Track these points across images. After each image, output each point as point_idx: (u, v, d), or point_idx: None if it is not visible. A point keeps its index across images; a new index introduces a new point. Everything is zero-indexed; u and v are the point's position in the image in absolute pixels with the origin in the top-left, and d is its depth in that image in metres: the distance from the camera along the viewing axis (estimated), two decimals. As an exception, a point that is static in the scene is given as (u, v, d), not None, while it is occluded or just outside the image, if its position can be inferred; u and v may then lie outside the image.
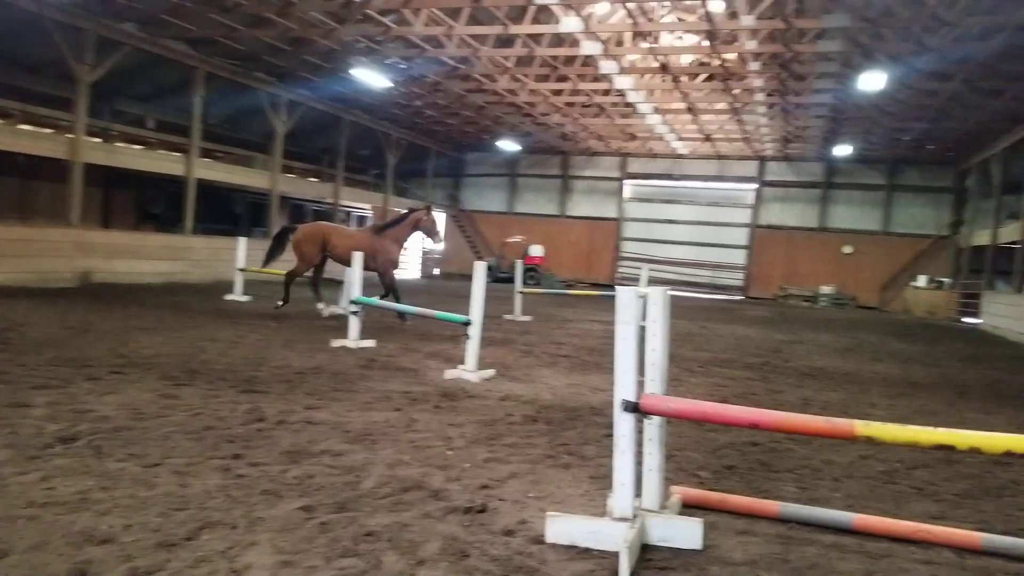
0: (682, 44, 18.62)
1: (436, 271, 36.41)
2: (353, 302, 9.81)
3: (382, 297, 12.36)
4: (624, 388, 3.81)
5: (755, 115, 23.89)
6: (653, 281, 32.00)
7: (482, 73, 20.82)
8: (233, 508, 3.94)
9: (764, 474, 5.34)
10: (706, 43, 17.13)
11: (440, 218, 37.09)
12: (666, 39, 18.43)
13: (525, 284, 30.37)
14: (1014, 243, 21.34)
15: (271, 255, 13.53)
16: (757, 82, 19.63)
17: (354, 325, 9.79)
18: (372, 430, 5.68)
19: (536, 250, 32.34)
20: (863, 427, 3.64)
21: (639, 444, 3.96)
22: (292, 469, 4.63)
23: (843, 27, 14.63)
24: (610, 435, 6.13)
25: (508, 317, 15.40)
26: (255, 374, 7.56)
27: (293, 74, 21.92)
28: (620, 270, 34.36)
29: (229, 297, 15.20)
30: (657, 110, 23.92)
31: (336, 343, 9.76)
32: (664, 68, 18.97)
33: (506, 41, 18.56)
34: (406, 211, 13.23)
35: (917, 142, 26.02)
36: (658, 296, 4.07)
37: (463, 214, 37.00)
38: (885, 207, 30.40)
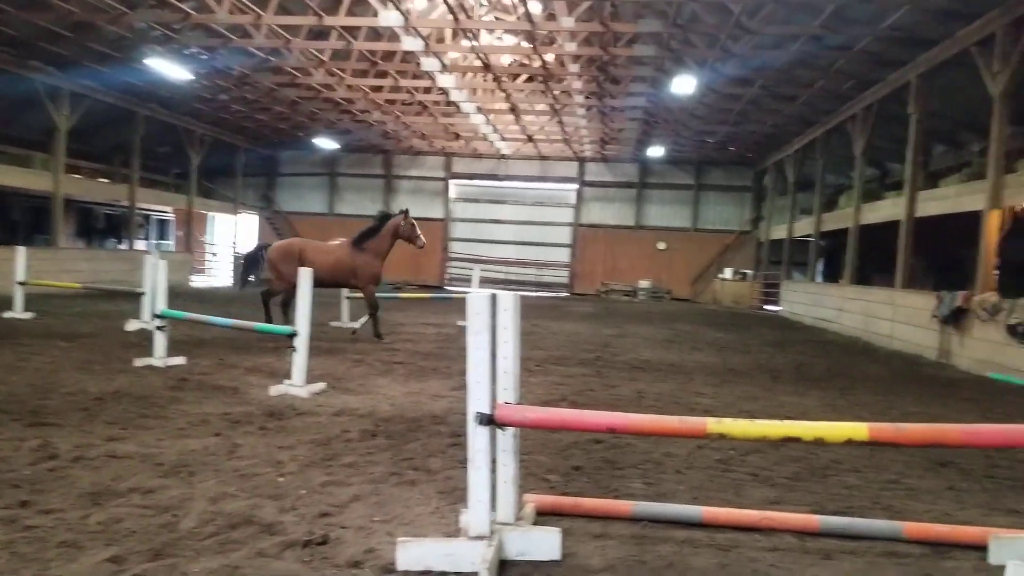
0: (502, 44, 18.76)
1: (251, 278, 34.27)
2: (158, 316, 8.79)
3: (371, 316, 12.25)
4: (478, 400, 3.53)
5: (574, 116, 24.62)
6: (482, 281, 32.33)
7: (294, 66, 19.77)
8: (22, 568, 3.25)
9: (611, 472, 5.28)
10: (526, 44, 17.32)
11: (255, 220, 35.21)
12: (487, 38, 18.49)
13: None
14: (807, 236, 23.54)
15: (244, 276, 13.09)
16: (576, 84, 20.19)
17: (160, 341, 8.78)
18: (189, 460, 5.01)
19: (361, 253, 31.38)
20: (715, 425, 3.62)
21: (493, 456, 3.70)
22: (95, 513, 3.96)
23: (655, 32, 15.31)
24: (456, 444, 5.93)
25: (335, 324, 14.70)
26: (43, 403, 6.52)
27: (77, 63, 19.51)
28: (449, 271, 34.25)
29: (8, 315, 13.28)
30: (480, 109, 23.99)
31: (140, 362, 8.71)
32: (486, 67, 19.00)
33: (320, 33, 17.74)
34: (378, 220, 12.35)
35: (721, 144, 28.06)
36: (509, 301, 3.83)
37: (279, 216, 35.21)
38: (694, 205, 32.56)
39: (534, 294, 32.08)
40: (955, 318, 11.57)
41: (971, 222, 14.90)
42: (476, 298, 3.63)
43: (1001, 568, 3.70)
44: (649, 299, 31.13)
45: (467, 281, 29.84)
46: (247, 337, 11.35)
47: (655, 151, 28.51)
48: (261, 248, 13.01)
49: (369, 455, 5.38)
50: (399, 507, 4.30)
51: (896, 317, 14.16)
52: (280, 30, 16.88)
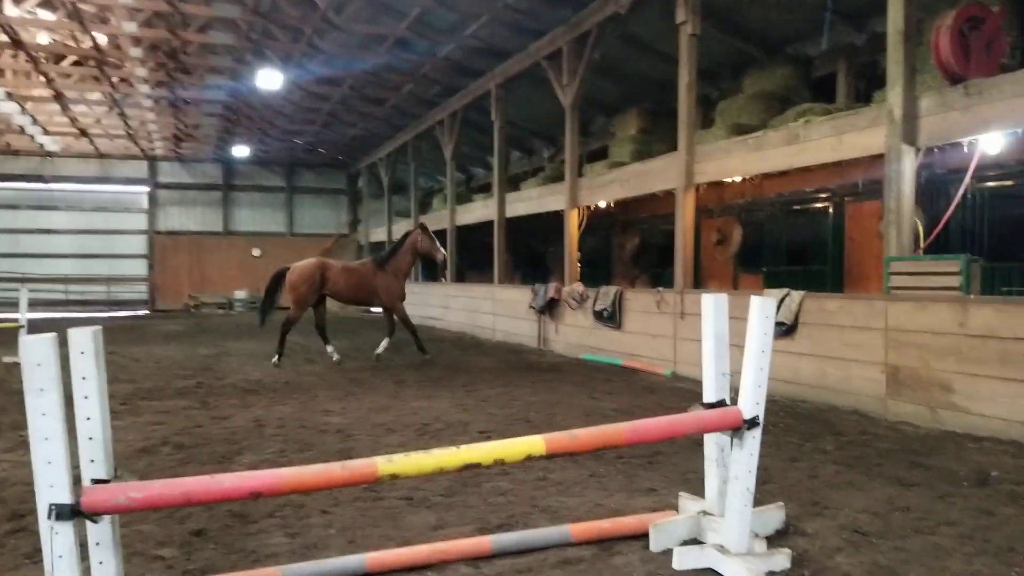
0: (36, 18, 15.41)
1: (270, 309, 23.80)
2: None
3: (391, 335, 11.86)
4: (52, 486, 2.36)
5: (140, 109, 21.66)
6: (33, 304, 26.77)
7: None
8: None
9: (243, 530, 4.26)
10: (69, 20, 14.42)
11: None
12: (14, 11, 15.01)
13: None
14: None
15: (266, 308, 12.09)
16: (140, 71, 17.62)
17: None
18: None
19: None
20: (386, 465, 3.00)
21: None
22: None
23: (232, 19, 13.93)
24: (20, 531, 4.27)
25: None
26: None
27: None
28: (-12, 293, 27.67)
29: None
30: (12, 96, 19.61)
31: None
32: (17, 44, 15.43)
33: None
34: (400, 238, 12.10)
35: (311, 145, 27.36)
36: (87, 341, 2.65)
37: None
38: (288, 209, 31.36)
39: (106, 315, 27.69)
40: (549, 308, 12.67)
41: (551, 220, 16.69)
42: (33, 343, 2.41)
43: (665, 554, 3.73)
44: (248, 310, 29.09)
45: (14, 306, 24.34)
46: None
47: (240, 151, 26.66)
48: (281, 273, 11.93)
49: None
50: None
51: (497, 311, 15.10)
52: None
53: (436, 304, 19.62)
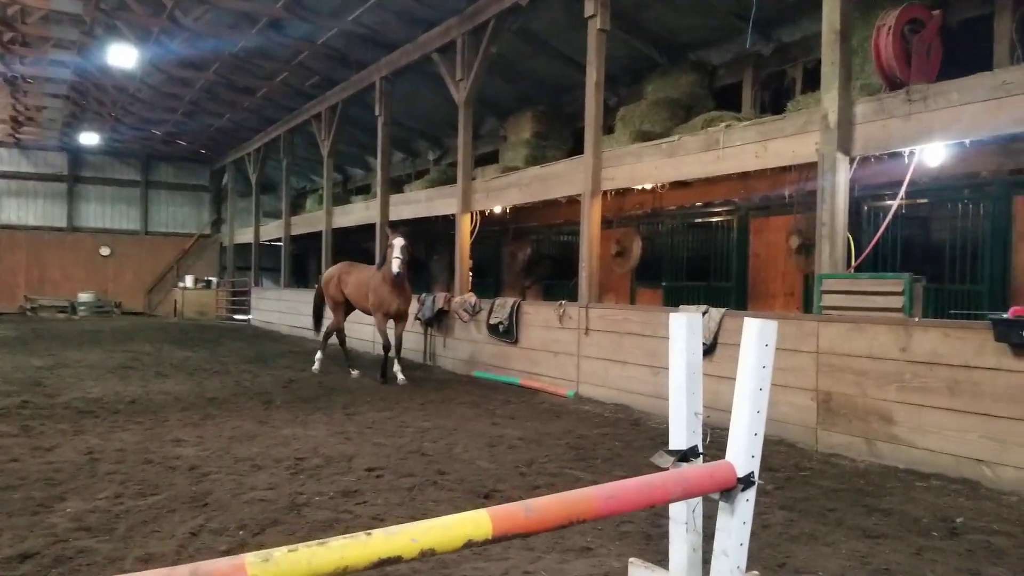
0: None
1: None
2: None
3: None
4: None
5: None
6: None
7: None
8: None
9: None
10: None
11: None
12: None
13: None
14: (276, 240, 22.43)
15: (318, 316, 12.08)
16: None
17: None
18: None
19: None
20: (257, 566, 1.95)
21: None
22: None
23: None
24: None
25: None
26: None
27: None
28: None
29: None
30: None
31: None
32: None
33: None
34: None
35: (171, 136, 25.06)
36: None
37: None
38: (143, 204, 28.64)
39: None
40: (437, 319, 11.70)
41: (436, 226, 15.78)
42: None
43: None
44: (93, 314, 26.22)
45: None
46: None
47: (89, 138, 23.98)
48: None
49: None
50: None
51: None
52: None
53: (305, 313, 18.17)
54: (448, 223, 15.12)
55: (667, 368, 2.93)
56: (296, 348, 15.31)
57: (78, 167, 27.83)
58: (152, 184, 28.95)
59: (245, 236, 24.85)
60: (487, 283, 15.97)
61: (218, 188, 29.67)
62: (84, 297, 26.54)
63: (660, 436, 6.81)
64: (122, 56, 13.83)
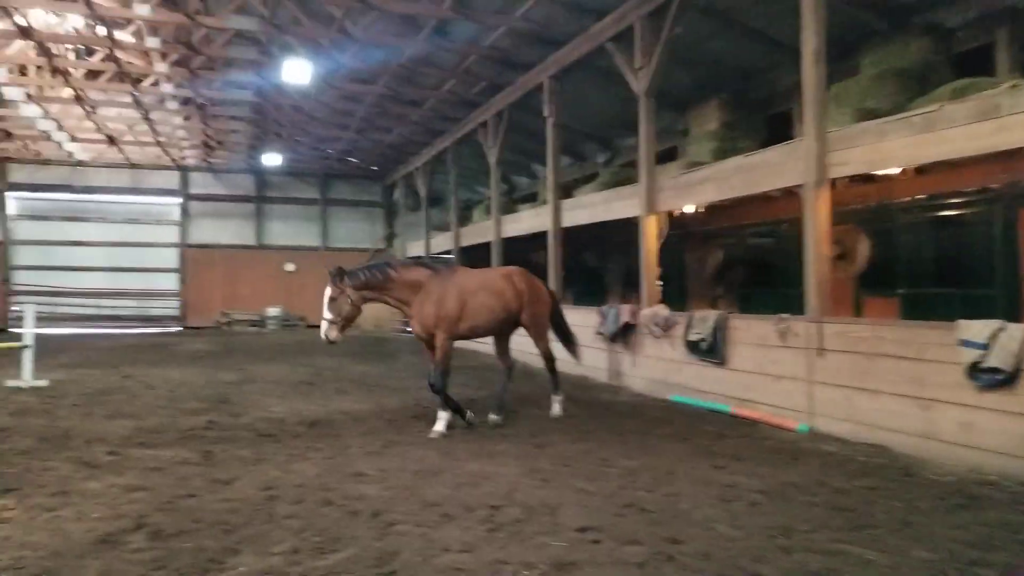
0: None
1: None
2: None
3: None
4: None
5: (167, 112, 20.25)
6: (59, 319, 25.60)
7: None
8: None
9: None
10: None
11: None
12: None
13: None
14: (446, 252, 22.36)
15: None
16: (160, 66, 16.13)
17: None
18: None
19: None
20: None
21: None
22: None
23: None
24: None
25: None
26: None
27: None
28: (14, 308, 26.49)
29: None
30: (31, 97, 18.26)
31: None
32: (26, 33, 13.94)
33: None
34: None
35: (344, 154, 25.82)
36: None
37: None
38: (322, 221, 29.86)
39: (136, 331, 26.37)
40: (623, 335, 10.61)
41: (609, 231, 14.76)
42: None
43: None
44: (280, 328, 27.54)
45: (45, 320, 23.21)
46: None
47: (272, 159, 25.15)
48: None
49: None
50: None
51: (553, 336, 13.07)
52: None
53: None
54: (620, 228, 14.03)
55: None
56: (470, 363, 14.80)
57: (264, 188, 29.42)
58: (330, 202, 30.10)
59: (416, 249, 25.06)
60: (668, 293, 14.67)
61: (390, 203, 30.37)
62: (272, 311, 27.93)
63: (951, 494, 5.34)
64: (297, 71, 13.94)
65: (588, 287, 17.61)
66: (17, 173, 27.00)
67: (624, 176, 14.81)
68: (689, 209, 11.10)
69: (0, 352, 13.03)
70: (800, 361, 7.58)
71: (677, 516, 4.88)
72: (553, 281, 13.62)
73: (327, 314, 7.84)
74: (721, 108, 12.32)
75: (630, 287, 17.45)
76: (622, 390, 10.67)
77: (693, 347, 9.02)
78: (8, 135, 22.67)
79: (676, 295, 14.49)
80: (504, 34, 13.15)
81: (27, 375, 11.32)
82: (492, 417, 8.18)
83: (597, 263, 17.21)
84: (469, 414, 8.09)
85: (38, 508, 5.07)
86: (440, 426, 7.67)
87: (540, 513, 4.93)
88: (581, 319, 12.24)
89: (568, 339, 9.24)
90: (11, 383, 11.21)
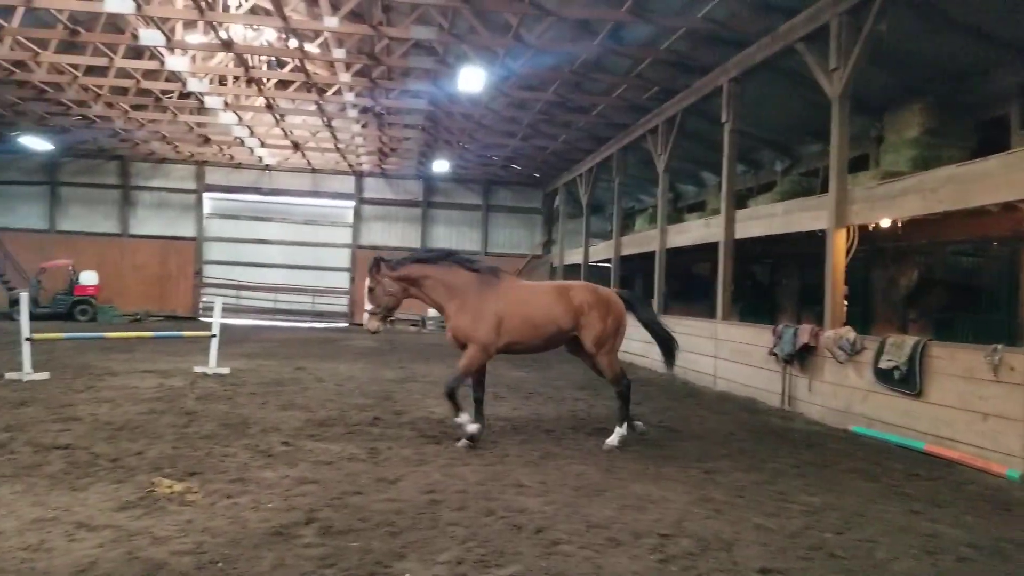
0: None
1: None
2: None
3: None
4: None
5: (347, 120, 21.38)
6: (241, 311, 27.78)
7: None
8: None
9: None
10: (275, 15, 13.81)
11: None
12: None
13: (76, 319, 24.24)
14: (604, 261, 22.05)
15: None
16: (344, 76, 17.00)
17: None
18: None
19: (88, 277, 25.59)
20: None
21: None
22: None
23: (436, 2, 12.50)
24: None
25: (11, 376, 10.52)
26: None
27: None
28: (204, 299, 29.13)
29: None
30: (228, 105, 19.86)
31: None
32: (228, 46, 15.13)
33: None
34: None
35: (508, 161, 26.17)
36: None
37: (-17, 233, 28.18)
38: (483, 227, 30.50)
39: (308, 325, 28.12)
40: (799, 357, 9.83)
41: (782, 245, 13.87)
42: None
43: None
44: (439, 329, 28.36)
45: (230, 311, 25.44)
46: None
47: (440, 166, 25.95)
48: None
49: None
50: None
51: (720, 353, 12.39)
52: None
53: (637, 338, 17.09)
54: (797, 241, 13.11)
55: None
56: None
57: (431, 193, 30.51)
58: (491, 208, 30.71)
59: (574, 257, 24.91)
60: (850, 314, 13.53)
61: (549, 210, 30.50)
62: (431, 312, 28.81)
63: None
64: (471, 79, 14.19)
65: (756, 303, 16.65)
66: (212, 175, 29.63)
67: (806, 185, 13.87)
68: (883, 223, 10.11)
69: (190, 339, 14.20)
70: (1017, 399, 6.59)
71: (876, 567, 4.31)
72: (721, 296, 12.93)
73: (367, 304, 7.66)
74: (924, 112, 11.19)
75: (805, 305, 16.35)
76: (796, 416, 9.86)
77: (884, 375, 8.14)
78: (207, 140, 24.89)
79: (858, 317, 13.33)
80: (682, 36, 12.69)
81: (212, 363, 12.21)
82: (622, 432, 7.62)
83: (767, 278, 16.22)
84: (479, 425, 7.57)
85: (218, 494, 5.28)
86: (612, 440, 7.40)
87: (714, 548, 4.52)
88: (751, 336, 11.53)
89: (668, 347, 8.34)
90: (198, 369, 12.14)
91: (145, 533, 4.42)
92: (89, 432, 7.22)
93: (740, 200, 15.24)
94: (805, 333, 9.70)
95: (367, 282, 7.71)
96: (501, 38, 13.62)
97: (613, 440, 7.48)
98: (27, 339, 10.79)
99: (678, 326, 14.80)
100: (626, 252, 19.78)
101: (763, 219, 12.49)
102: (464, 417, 7.39)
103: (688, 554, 4.37)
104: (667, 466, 6.72)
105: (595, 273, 24.07)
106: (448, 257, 7.87)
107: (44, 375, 10.81)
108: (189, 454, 6.47)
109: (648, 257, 19.02)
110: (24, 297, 11.26)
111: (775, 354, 10.29)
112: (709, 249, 15.86)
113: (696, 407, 10.49)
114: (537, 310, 7.63)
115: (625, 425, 7.65)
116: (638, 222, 21.39)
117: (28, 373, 10.63)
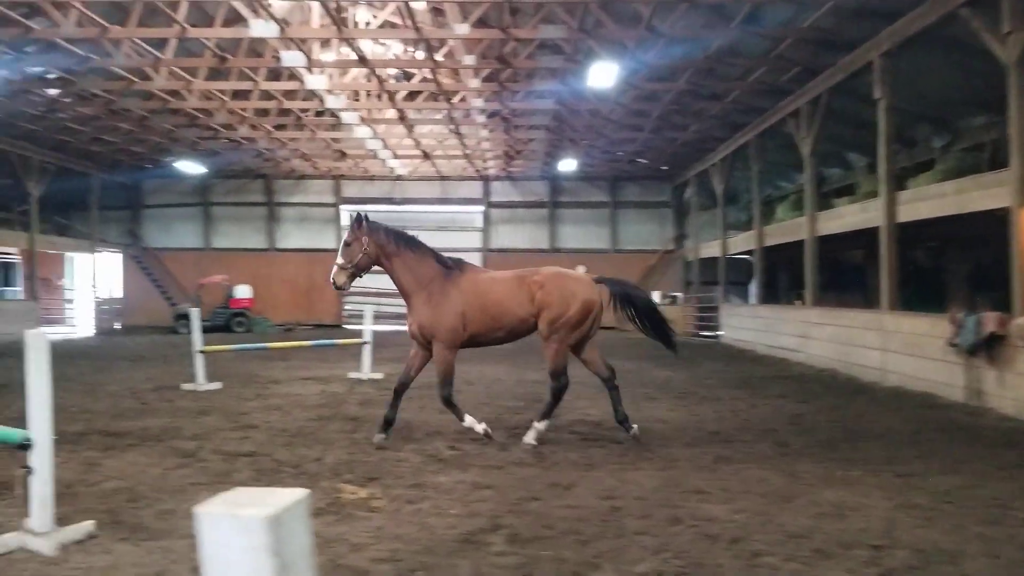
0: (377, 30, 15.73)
1: (117, 325, 29.61)
2: None
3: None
4: None
5: (474, 126, 21.67)
6: (381, 317, 28.75)
7: (127, 66, 15.80)
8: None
9: None
10: (407, 27, 14.14)
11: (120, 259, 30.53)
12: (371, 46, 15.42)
13: (233, 331, 25.92)
14: (743, 253, 21.23)
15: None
16: (473, 83, 17.22)
17: None
18: None
19: (242, 291, 27.32)
20: None
21: None
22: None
23: (564, 1, 12.41)
24: None
25: (187, 387, 11.22)
26: None
27: None
28: (347, 307, 30.41)
29: None
30: (364, 120, 20.58)
31: None
32: (363, 61, 15.66)
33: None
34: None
35: (635, 155, 25.72)
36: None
37: (148, 253, 30.61)
38: (611, 224, 30.12)
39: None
40: (986, 347, 9.00)
41: (943, 227, 12.83)
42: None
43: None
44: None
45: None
46: None
47: (566, 165, 25.83)
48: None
49: None
50: None
51: (889, 345, 11.57)
52: (95, 16, 13.21)
53: (790, 333, 16.30)
54: (962, 223, 12.04)
55: None
56: (783, 372, 13.73)
57: (556, 193, 30.44)
58: (619, 204, 30.27)
59: (710, 250, 24.13)
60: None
61: (679, 203, 29.73)
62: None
63: None
64: (603, 75, 13.99)
65: (920, 291, 15.49)
66: (348, 188, 30.87)
67: (971, 162, 12.75)
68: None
69: (343, 346, 14.79)
70: None
71: None
72: (886, 285, 12.08)
73: (339, 258, 7.49)
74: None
75: (977, 291, 15.05)
76: (985, 412, 9.03)
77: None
78: (343, 155, 25.96)
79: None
80: (828, 12, 11.97)
81: (366, 368, 12.63)
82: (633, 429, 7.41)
83: (932, 262, 15.03)
84: (484, 427, 7.42)
85: (400, 500, 5.38)
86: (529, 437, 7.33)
87: (936, 560, 4.13)
88: (925, 327, 10.71)
89: (665, 336, 7.99)
90: (352, 375, 12.60)
91: (341, 540, 4.53)
92: (268, 439, 7.59)
93: (897, 181, 14.23)
94: (991, 321, 8.86)
95: (345, 235, 7.65)
96: (631, 30, 13.36)
97: (530, 437, 7.32)
98: (200, 351, 11.57)
99: (836, 318, 14.06)
100: (770, 242, 18.93)
101: (930, 200, 11.56)
102: (470, 420, 7.40)
103: (909, 567, 4.03)
104: (854, 469, 6.28)
105: (733, 266, 23.24)
106: (426, 248, 7.83)
107: (217, 385, 11.53)
108: (364, 460, 6.65)
109: (788, 248, 18.13)
110: (195, 313, 12.09)
111: (956, 344, 9.47)
112: (857, 236, 14.90)
113: (868, 404, 9.83)
114: (497, 300, 7.48)
115: (544, 422, 7.49)
116: (780, 210, 20.39)
117: (203, 384, 11.39)
